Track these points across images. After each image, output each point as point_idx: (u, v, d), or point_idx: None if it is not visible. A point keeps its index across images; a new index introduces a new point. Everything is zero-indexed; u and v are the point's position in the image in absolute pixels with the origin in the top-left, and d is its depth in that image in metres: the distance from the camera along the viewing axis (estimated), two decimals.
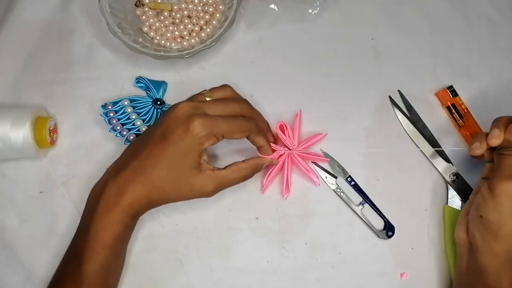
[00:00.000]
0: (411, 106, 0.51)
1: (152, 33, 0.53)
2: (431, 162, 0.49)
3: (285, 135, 0.47)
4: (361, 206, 0.48)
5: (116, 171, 0.41)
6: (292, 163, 0.47)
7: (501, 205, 0.38)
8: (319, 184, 0.48)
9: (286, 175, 0.47)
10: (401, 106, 0.51)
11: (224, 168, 0.42)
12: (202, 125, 0.39)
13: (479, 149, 0.41)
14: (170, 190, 0.40)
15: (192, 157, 0.39)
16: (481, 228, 0.40)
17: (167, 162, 0.39)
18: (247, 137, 0.43)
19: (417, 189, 0.49)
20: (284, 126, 0.47)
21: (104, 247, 0.39)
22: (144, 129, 0.49)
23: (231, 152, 0.49)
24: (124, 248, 0.43)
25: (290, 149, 0.47)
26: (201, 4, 0.54)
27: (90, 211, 0.40)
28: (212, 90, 0.44)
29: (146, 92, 0.52)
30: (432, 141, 0.49)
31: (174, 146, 0.39)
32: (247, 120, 0.42)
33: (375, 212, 0.48)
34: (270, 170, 0.47)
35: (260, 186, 0.48)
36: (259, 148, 0.45)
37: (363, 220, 0.47)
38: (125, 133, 0.48)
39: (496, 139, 0.40)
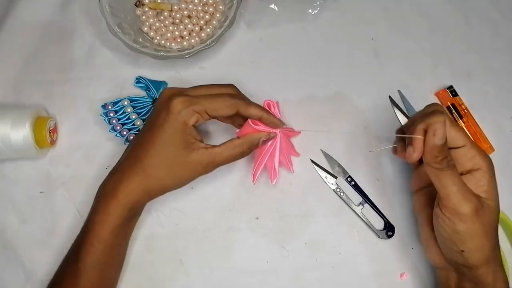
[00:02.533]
0: (411, 106, 0.51)
1: (152, 33, 0.53)
2: None
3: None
4: (361, 206, 0.48)
5: (116, 166, 0.42)
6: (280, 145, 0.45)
7: (477, 229, 0.34)
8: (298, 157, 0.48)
9: (278, 157, 0.45)
10: (401, 106, 0.51)
11: (219, 145, 0.41)
12: (182, 103, 0.39)
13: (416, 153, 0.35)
14: (165, 175, 0.40)
15: (179, 137, 0.39)
16: (466, 257, 0.36)
17: (157, 147, 0.39)
18: (239, 113, 0.41)
19: None
20: (271, 104, 0.45)
21: (100, 241, 0.39)
22: None
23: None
24: (123, 244, 0.43)
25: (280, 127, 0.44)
26: (201, 4, 0.54)
27: (92, 207, 0.41)
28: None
29: (146, 92, 0.52)
30: None
31: (160, 130, 0.39)
32: (232, 96, 0.42)
33: (375, 212, 0.48)
34: (259, 157, 0.45)
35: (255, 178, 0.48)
36: (260, 120, 0.42)
37: (363, 220, 0.47)
38: (125, 133, 0.48)
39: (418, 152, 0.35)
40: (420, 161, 0.38)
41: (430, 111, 0.37)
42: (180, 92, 0.41)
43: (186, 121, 0.39)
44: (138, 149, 0.41)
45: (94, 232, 0.39)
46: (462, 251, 0.35)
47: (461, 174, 0.36)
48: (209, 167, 0.41)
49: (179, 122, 0.39)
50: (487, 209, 0.35)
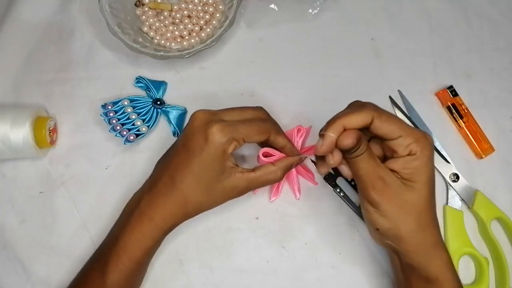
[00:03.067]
0: (411, 106, 0.51)
1: (152, 33, 0.53)
2: None
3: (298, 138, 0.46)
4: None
5: (150, 185, 0.41)
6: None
7: (387, 209, 0.36)
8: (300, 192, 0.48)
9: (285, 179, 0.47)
10: (401, 106, 0.51)
11: (254, 170, 0.41)
12: (221, 131, 0.38)
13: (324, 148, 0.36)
14: (203, 200, 0.40)
15: (218, 164, 0.39)
16: (387, 238, 0.37)
17: (195, 174, 0.39)
18: (268, 139, 0.42)
19: None
20: (301, 130, 0.46)
21: (131, 259, 0.39)
22: (144, 129, 0.49)
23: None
24: (149, 262, 0.43)
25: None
26: (201, 4, 0.54)
27: (122, 224, 0.41)
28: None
29: (146, 92, 0.52)
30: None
31: (197, 156, 0.39)
32: (265, 122, 0.42)
33: None
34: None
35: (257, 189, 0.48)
36: (282, 149, 0.43)
37: (363, 220, 0.47)
38: (125, 133, 0.48)
39: (325, 147, 0.35)
40: None
41: (359, 105, 0.37)
42: (215, 116, 0.40)
43: (226, 149, 0.39)
44: (173, 172, 0.40)
45: (126, 249, 0.39)
46: (377, 229, 0.37)
47: (395, 157, 0.37)
48: (243, 191, 0.42)
49: (218, 150, 0.38)
50: (404, 191, 0.36)
